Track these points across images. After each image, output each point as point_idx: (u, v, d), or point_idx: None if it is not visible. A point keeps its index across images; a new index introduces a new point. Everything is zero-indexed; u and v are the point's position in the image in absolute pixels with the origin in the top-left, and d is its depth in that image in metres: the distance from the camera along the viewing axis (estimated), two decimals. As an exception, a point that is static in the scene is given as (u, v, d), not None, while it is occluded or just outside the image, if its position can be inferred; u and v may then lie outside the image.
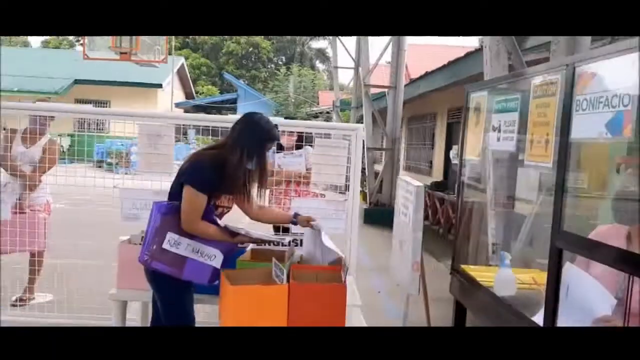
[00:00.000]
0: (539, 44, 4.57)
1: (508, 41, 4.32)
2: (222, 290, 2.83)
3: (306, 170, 4.56)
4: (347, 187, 4.09)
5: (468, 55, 9.46)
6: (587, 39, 3.38)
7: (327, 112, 25.98)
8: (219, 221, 2.85)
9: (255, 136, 2.77)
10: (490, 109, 2.92)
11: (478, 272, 3.18)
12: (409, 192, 3.52)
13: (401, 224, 3.70)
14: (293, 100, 27.30)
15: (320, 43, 37.28)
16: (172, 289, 2.85)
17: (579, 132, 2.04)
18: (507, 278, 2.83)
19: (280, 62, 36.41)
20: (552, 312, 2.11)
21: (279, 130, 3.03)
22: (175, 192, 2.76)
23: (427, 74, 12.24)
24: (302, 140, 4.72)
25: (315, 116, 25.63)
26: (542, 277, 2.80)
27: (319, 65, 37.68)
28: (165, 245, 2.78)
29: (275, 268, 2.86)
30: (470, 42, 22.68)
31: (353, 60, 16.16)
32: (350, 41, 15.84)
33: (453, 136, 12.17)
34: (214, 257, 2.85)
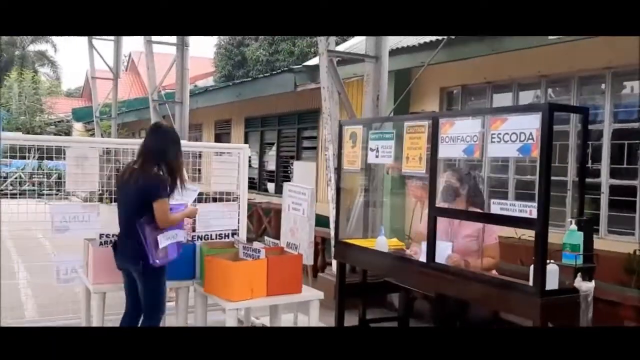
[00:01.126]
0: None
1: (337, 82, 6.12)
2: (216, 268, 3.91)
3: None
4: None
5: (255, 80, 11.14)
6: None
7: (67, 121, 24.86)
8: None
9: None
10: (365, 137, 4.64)
11: (355, 241, 4.90)
12: (302, 194, 5.03)
13: (292, 216, 5.18)
14: (24, 108, 25.25)
15: (41, 46, 34.70)
16: (162, 276, 3.85)
17: (443, 154, 3.86)
18: (382, 241, 4.57)
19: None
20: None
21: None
22: (139, 205, 3.69)
23: (206, 91, 13.55)
24: None
25: (55, 124, 24.33)
26: (400, 243, 4.67)
27: (41, 69, 35.00)
28: (162, 245, 3.78)
29: (245, 250, 4.09)
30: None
31: (111, 70, 16.43)
32: (106, 48, 16.01)
33: (223, 145, 13.76)
34: (177, 235, 3.91)
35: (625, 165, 6.01)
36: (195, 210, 4.19)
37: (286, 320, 5.24)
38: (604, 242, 5.97)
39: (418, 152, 4.11)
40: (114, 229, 4.01)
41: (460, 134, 3.75)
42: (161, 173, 3.73)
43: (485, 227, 4.06)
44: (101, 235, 4.32)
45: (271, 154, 12.95)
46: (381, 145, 4.49)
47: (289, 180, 11.74)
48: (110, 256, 3.99)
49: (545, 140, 3.17)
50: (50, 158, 5.43)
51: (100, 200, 5.04)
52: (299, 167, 11.21)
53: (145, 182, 3.66)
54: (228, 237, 4.75)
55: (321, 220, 6.14)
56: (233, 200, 5.36)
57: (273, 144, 12.84)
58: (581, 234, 3.13)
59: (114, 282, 4.05)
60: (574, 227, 3.13)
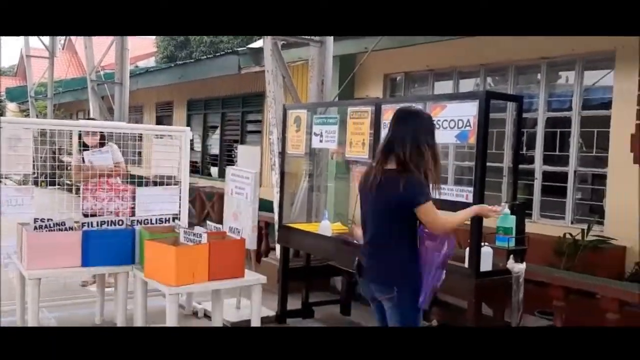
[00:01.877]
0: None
1: (282, 66, 6.09)
2: (157, 253, 3.85)
3: (114, 164, 5.50)
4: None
5: (198, 61, 10.91)
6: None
7: (0, 101, 23.73)
8: None
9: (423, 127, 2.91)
10: (310, 122, 4.65)
11: (299, 225, 4.92)
12: (245, 177, 5.00)
13: (235, 200, 5.15)
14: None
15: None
16: None
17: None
18: (326, 225, 4.62)
19: None
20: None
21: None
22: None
23: (147, 72, 13.19)
24: (105, 139, 5.61)
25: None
26: (344, 227, 4.73)
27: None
28: None
29: (186, 234, 4.04)
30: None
31: (47, 49, 15.75)
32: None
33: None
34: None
35: (557, 153, 6.29)
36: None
37: (229, 304, 5.24)
38: (537, 225, 6.24)
39: (361, 137, 4.17)
40: (49, 213, 3.87)
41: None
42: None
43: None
44: (35, 220, 4.17)
45: (215, 138, 12.77)
46: (325, 130, 4.52)
47: (233, 165, 11.65)
48: (46, 240, 3.87)
49: (481, 127, 3.28)
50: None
51: (36, 183, 4.84)
52: (243, 151, 11.02)
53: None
54: (169, 222, 4.67)
55: (265, 205, 6.13)
56: (174, 184, 5.27)
57: (217, 127, 12.67)
58: (514, 217, 3.26)
59: (49, 268, 3.92)
60: (507, 211, 3.26)
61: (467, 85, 7.15)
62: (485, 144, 3.30)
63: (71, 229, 4.22)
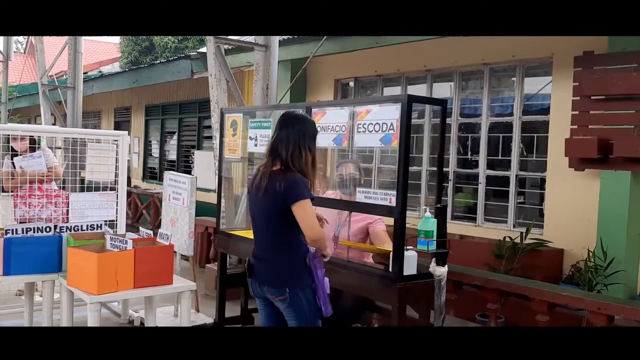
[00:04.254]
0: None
1: (225, 70, 6.02)
2: (79, 260, 3.73)
3: (47, 169, 5.34)
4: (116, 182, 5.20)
5: (152, 66, 10.77)
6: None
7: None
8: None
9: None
10: (246, 126, 4.59)
11: (237, 232, 4.85)
12: (182, 183, 4.91)
13: (173, 206, 5.05)
14: None
15: None
16: None
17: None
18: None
19: None
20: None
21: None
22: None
23: (102, 77, 12.96)
24: (36, 143, 5.44)
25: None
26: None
27: None
28: None
29: (112, 241, 3.94)
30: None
31: (1, 53, 15.34)
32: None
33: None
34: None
35: (499, 157, 6.36)
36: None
37: (166, 312, 5.13)
38: (481, 229, 6.30)
39: (293, 141, 4.12)
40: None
41: (330, 124, 3.80)
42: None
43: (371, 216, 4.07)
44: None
45: (172, 143, 12.61)
46: (260, 134, 4.46)
47: (190, 170, 11.51)
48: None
49: (404, 130, 3.27)
50: None
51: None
52: (199, 157, 11.00)
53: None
54: (100, 228, 4.55)
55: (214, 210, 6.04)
56: (111, 190, 5.15)
57: (174, 132, 12.51)
58: (435, 221, 3.26)
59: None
60: (428, 214, 3.26)
61: (415, 90, 7.19)
62: (408, 147, 3.29)
63: (-6, 236, 4.07)
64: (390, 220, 3.33)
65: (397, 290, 3.27)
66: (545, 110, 5.89)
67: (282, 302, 2.85)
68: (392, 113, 3.35)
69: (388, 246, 4.00)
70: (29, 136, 5.28)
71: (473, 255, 5.64)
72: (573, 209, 5.45)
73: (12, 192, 5.18)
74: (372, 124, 3.49)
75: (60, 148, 9.01)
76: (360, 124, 3.56)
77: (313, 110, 3.94)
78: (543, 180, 5.91)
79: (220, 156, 4.91)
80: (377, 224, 3.99)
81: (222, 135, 4.88)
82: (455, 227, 6.40)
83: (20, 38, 38.52)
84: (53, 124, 11.85)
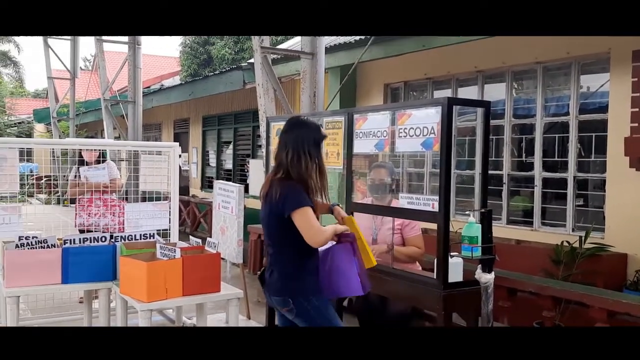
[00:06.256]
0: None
1: (272, 79, 6.10)
2: (131, 269, 3.85)
3: (110, 180, 5.57)
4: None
5: (206, 78, 11.03)
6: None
7: (29, 122, 24.42)
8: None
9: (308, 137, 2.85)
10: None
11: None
12: (230, 191, 4.99)
13: (222, 214, 5.14)
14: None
15: (3, 46, 33.91)
16: None
17: (358, 149, 3.87)
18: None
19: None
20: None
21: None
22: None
23: (161, 90, 13.40)
24: (102, 156, 5.69)
25: (17, 125, 23.87)
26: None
27: (4, 70, 34.27)
28: None
29: (162, 250, 4.04)
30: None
31: (69, 71, 16.14)
32: (63, 49, 15.75)
33: (181, 146, 13.68)
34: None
35: (556, 159, 6.11)
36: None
37: (219, 318, 5.22)
38: (538, 234, 6.07)
39: (336, 147, 4.12)
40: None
41: (372, 129, 3.77)
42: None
43: (407, 220, 4.03)
44: (20, 238, 4.23)
45: (228, 153, 12.88)
46: (303, 141, 4.49)
47: (246, 179, 11.70)
48: (25, 259, 3.93)
49: (445, 134, 3.20)
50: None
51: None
52: (254, 165, 11.16)
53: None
54: (153, 237, 4.68)
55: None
56: (164, 199, 5.30)
57: (230, 142, 12.77)
58: (479, 226, 3.16)
59: (28, 286, 3.98)
60: (472, 219, 3.16)
61: (466, 92, 7.03)
62: (449, 151, 3.21)
63: (53, 246, 4.26)
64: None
65: (442, 298, 3.20)
66: (604, 108, 5.62)
67: (289, 313, 2.79)
68: (432, 117, 3.29)
69: (420, 253, 3.92)
70: (100, 149, 5.57)
71: (530, 261, 5.43)
72: (636, 210, 5.16)
73: (74, 201, 5.48)
74: (412, 128, 3.43)
75: (123, 160, 9.41)
76: (401, 128, 3.51)
77: (355, 116, 3.92)
78: (603, 181, 5.63)
79: (267, 164, 4.96)
80: (410, 228, 3.93)
81: (268, 144, 4.94)
82: (511, 232, 6.20)
83: (88, 56, 40.38)
84: (116, 138, 12.37)
